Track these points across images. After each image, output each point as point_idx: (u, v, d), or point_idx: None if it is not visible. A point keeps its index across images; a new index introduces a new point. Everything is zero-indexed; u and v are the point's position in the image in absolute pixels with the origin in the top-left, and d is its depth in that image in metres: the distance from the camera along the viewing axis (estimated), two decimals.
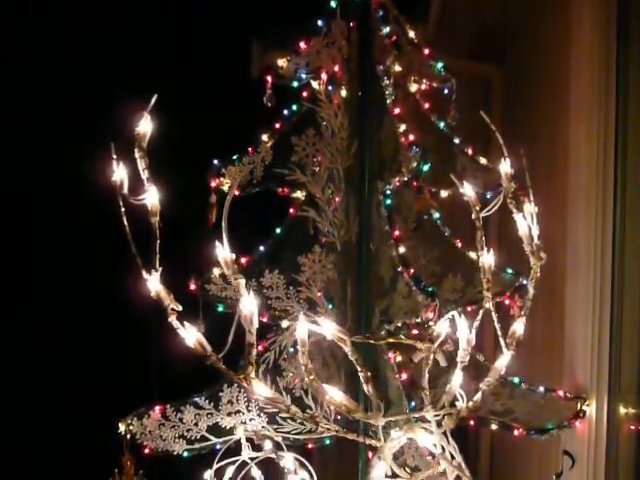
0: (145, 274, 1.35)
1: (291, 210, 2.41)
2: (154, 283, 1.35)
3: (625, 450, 2.76)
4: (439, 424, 1.51)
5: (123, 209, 1.39)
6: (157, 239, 1.36)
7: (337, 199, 2.40)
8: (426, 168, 2.13)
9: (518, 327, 1.65)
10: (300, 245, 2.36)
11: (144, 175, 1.40)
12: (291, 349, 2.47)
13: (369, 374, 1.39)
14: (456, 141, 2.50)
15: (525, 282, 2.63)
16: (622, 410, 2.72)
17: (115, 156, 1.47)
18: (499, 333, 1.61)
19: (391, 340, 1.87)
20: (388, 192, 2.20)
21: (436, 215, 2.51)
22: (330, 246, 2.38)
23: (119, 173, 1.43)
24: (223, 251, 1.33)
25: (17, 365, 2.98)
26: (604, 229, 2.71)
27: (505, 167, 1.67)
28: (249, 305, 1.26)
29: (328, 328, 1.32)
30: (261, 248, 2.38)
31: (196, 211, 2.29)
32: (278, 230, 2.40)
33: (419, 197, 2.29)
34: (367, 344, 2.28)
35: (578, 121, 2.77)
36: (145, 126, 1.45)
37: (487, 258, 1.59)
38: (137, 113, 1.47)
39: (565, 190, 2.81)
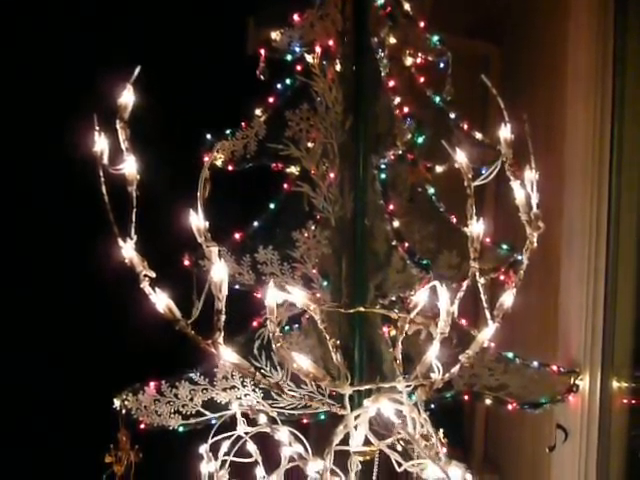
0: (120, 242, 1.39)
1: (285, 185, 2.39)
2: (128, 250, 1.39)
3: (618, 424, 2.79)
4: (411, 395, 1.51)
5: (103, 179, 1.42)
6: (133, 208, 1.39)
7: (332, 175, 2.38)
8: (420, 140, 2.10)
9: (506, 299, 1.59)
10: (294, 220, 2.35)
11: (124, 146, 1.43)
12: (286, 327, 2.47)
13: (338, 342, 1.40)
14: (452, 116, 2.48)
15: (520, 257, 2.64)
16: (615, 384, 2.74)
17: (97, 128, 1.49)
18: (485, 305, 1.56)
19: (362, 309, 1.89)
20: (383, 166, 2.18)
21: (431, 191, 2.49)
22: (325, 222, 2.36)
23: (100, 144, 1.46)
24: (197, 219, 1.34)
25: (9, 341, 2.98)
26: (599, 203, 2.71)
27: (505, 132, 1.61)
28: (219, 272, 1.28)
29: (298, 296, 1.34)
30: (255, 223, 2.37)
31: (189, 186, 2.26)
32: (272, 205, 2.39)
33: (414, 169, 2.27)
34: (359, 317, 2.31)
35: (575, 96, 2.75)
36: (127, 98, 1.47)
37: (476, 227, 1.54)
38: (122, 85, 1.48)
39: (561, 164, 2.80)
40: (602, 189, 2.73)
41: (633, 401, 2.77)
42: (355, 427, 1.49)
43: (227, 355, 1.32)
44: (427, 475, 1.45)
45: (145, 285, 1.36)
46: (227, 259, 2.32)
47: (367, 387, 1.55)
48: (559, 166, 2.81)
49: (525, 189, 1.57)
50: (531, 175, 1.60)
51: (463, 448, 3.72)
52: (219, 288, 1.27)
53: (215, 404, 2.37)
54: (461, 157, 1.43)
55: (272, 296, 1.30)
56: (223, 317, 1.28)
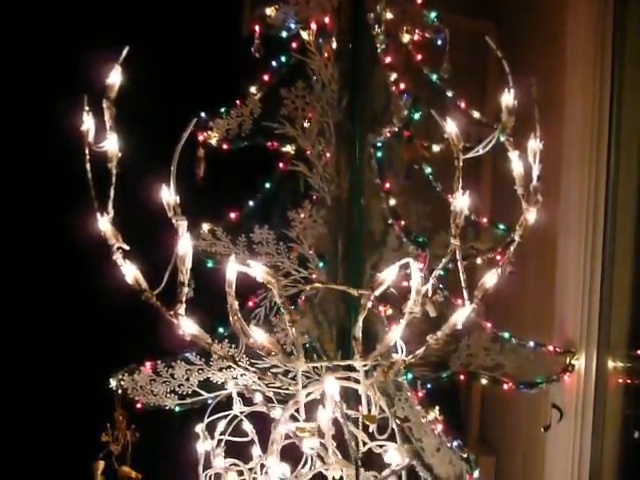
0: (99, 216, 1.45)
1: (281, 164, 2.37)
2: (104, 224, 1.45)
3: (613, 403, 2.80)
4: (368, 375, 1.50)
5: (88, 156, 1.47)
6: (112, 184, 1.45)
7: (328, 154, 2.36)
8: (417, 116, 2.08)
9: (489, 279, 1.49)
10: (290, 200, 2.33)
11: (108, 124, 1.47)
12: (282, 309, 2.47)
13: (297, 317, 1.43)
14: (449, 94, 2.45)
15: (517, 238, 2.63)
16: (611, 364, 2.75)
17: (87, 108, 1.53)
18: (463, 284, 1.47)
19: (319, 285, 1.89)
20: (379, 144, 2.15)
21: (428, 170, 2.47)
22: (321, 201, 2.34)
23: (87, 123, 1.50)
24: (167, 194, 1.40)
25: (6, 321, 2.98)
26: (597, 184, 2.69)
27: (507, 99, 1.51)
28: (184, 246, 1.35)
29: (258, 270, 1.37)
30: (250, 203, 2.36)
31: (183, 166, 2.24)
32: (267, 185, 2.36)
33: (410, 146, 2.24)
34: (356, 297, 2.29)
35: (574, 73, 2.73)
36: (114, 78, 1.50)
37: (461, 201, 1.44)
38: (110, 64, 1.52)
39: (559, 145, 2.78)
40: (600, 170, 2.71)
41: (628, 381, 2.78)
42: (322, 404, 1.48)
43: (187, 326, 1.36)
44: (389, 458, 1.45)
45: (117, 257, 1.42)
46: (222, 239, 2.31)
47: (322, 364, 1.56)
48: (557, 146, 2.78)
49: (523, 161, 1.49)
50: (535, 145, 1.50)
51: (459, 430, 3.75)
52: (183, 261, 1.34)
53: (211, 384, 2.37)
54: (451, 127, 1.37)
55: (232, 270, 1.33)
56: (186, 289, 1.35)
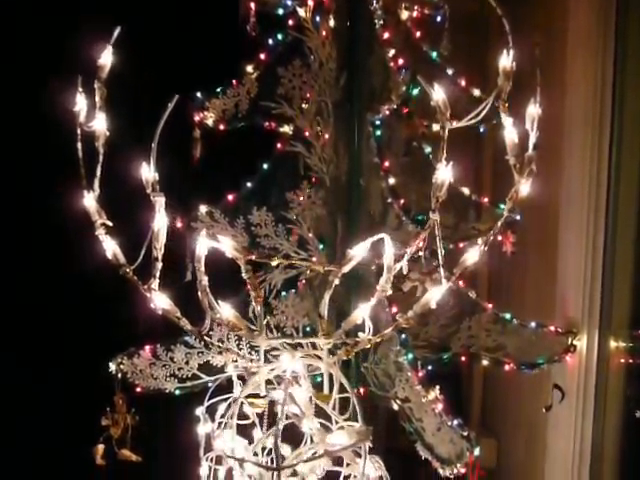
0: (85, 193, 1.47)
1: (278, 145, 2.33)
2: (89, 200, 1.47)
3: (614, 383, 2.79)
4: (332, 353, 1.49)
5: (79, 135, 1.49)
6: (99, 163, 1.47)
7: (326, 135, 2.32)
8: (416, 92, 2.04)
9: (470, 256, 1.39)
10: (288, 181, 2.30)
11: (98, 104, 1.49)
12: (283, 293, 2.45)
13: (262, 294, 1.44)
14: (449, 72, 2.41)
15: (518, 217, 2.60)
16: (613, 344, 2.73)
17: (80, 89, 1.53)
18: (440, 262, 1.40)
19: (284, 261, 1.89)
20: (378, 123, 2.12)
21: (428, 150, 2.44)
22: (319, 182, 2.32)
23: (80, 104, 1.51)
24: (147, 171, 1.42)
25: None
26: (600, 162, 2.65)
27: (505, 61, 1.36)
28: (159, 222, 1.37)
29: (227, 245, 1.38)
30: (248, 185, 2.33)
31: (180, 147, 2.21)
32: (265, 166, 2.33)
33: (409, 123, 2.20)
34: (355, 277, 2.27)
35: (576, 37, 2.67)
36: (106, 58, 1.51)
37: (443, 172, 1.34)
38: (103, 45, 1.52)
39: (561, 121, 2.74)
40: (603, 147, 2.67)
41: (630, 361, 2.77)
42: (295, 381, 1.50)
43: (159, 300, 1.40)
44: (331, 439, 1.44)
45: (100, 233, 1.45)
46: (220, 221, 2.28)
47: (284, 341, 1.58)
48: (558, 122, 2.74)
49: (520, 128, 1.39)
50: (534, 110, 1.39)
51: (460, 413, 3.75)
52: (157, 237, 1.37)
53: (211, 367, 2.36)
54: (438, 94, 1.30)
55: (202, 245, 1.35)
56: (160, 264, 1.38)
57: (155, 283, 1.39)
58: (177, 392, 2.37)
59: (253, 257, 1.52)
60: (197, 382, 2.36)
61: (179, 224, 2.24)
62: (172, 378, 2.35)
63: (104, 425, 2.32)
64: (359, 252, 1.37)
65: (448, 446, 1.98)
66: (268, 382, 2.08)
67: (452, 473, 1.93)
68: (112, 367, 2.30)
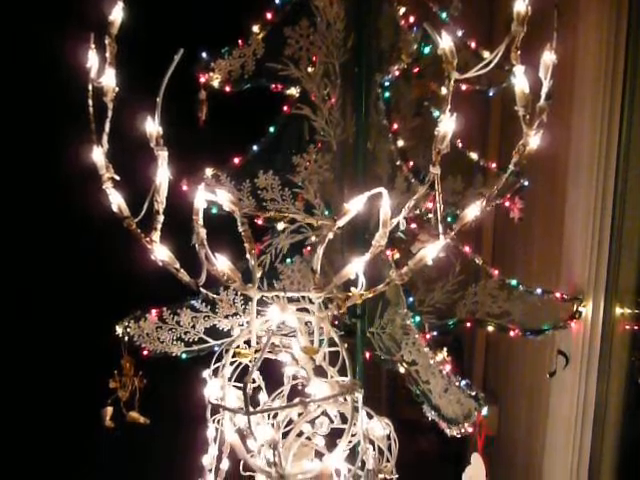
0: (94, 147, 1.49)
1: (285, 107, 2.30)
2: (97, 154, 1.48)
3: (618, 350, 2.80)
4: (325, 307, 1.50)
5: (90, 92, 1.50)
6: (107, 118, 1.48)
7: (333, 98, 2.29)
8: (427, 50, 1.99)
9: (469, 212, 1.35)
10: (295, 145, 2.27)
11: (108, 60, 1.49)
12: (287, 260, 2.44)
13: (255, 246, 1.47)
14: (459, 33, 2.35)
15: (526, 183, 2.58)
16: (618, 310, 2.74)
17: (93, 45, 1.54)
18: (439, 217, 1.36)
19: (272, 214, 1.90)
20: (387, 84, 2.08)
21: (436, 114, 2.40)
22: (326, 146, 2.29)
23: (92, 60, 1.52)
24: (151, 125, 1.42)
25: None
26: (610, 129, 2.62)
27: (520, 4, 1.27)
28: (161, 176, 1.41)
29: (224, 197, 1.43)
30: (254, 148, 2.30)
31: (185, 109, 2.18)
32: (272, 129, 2.30)
33: (420, 82, 2.16)
34: (361, 241, 2.26)
35: (588, 23, 2.61)
36: (117, 14, 1.50)
37: (446, 124, 1.29)
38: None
39: (571, 75, 2.69)
40: (613, 114, 2.63)
41: (635, 327, 2.78)
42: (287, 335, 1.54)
43: (160, 253, 1.44)
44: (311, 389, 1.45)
45: (107, 186, 1.48)
46: (226, 184, 2.26)
47: (275, 294, 1.63)
48: (568, 75, 2.69)
49: (527, 78, 1.31)
50: (549, 57, 1.32)
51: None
52: (159, 191, 1.40)
53: (217, 331, 2.37)
54: (446, 42, 1.26)
55: (200, 198, 1.40)
56: (161, 217, 1.42)
57: (156, 235, 1.42)
58: (184, 356, 2.38)
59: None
60: (203, 346, 2.37)
61: (185, 187, 2.22)
62: (178, 342, 2.36)
63: (112, 388, 2.33)
64: (354, 206, 1.37)
65: (455, 407, 1.99)
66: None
67: (459, 433, 1.94)
68: (119, 330, 2.30)
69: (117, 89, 1.48)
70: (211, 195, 1.44)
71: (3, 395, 2.98)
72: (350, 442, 1.40)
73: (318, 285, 1.43)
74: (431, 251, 1.36)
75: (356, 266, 1.40)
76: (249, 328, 1.59)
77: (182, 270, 1.47)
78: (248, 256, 1.46)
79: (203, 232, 1.41)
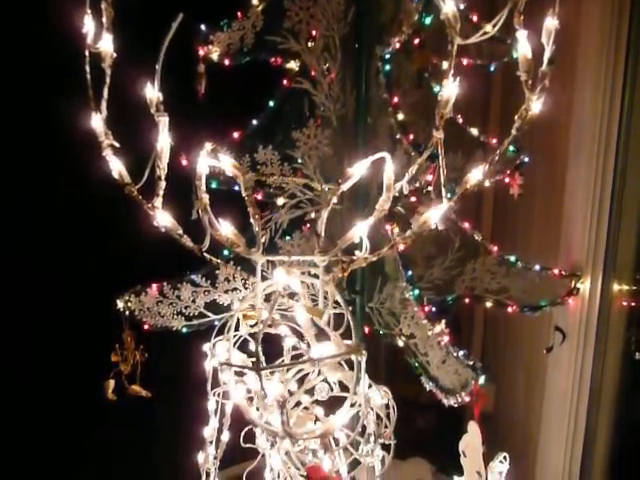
0: (93, 114, 1.48)
1: (284, 81, 2.28)
2: (96, 121, 1.48)
3: (616, 326, 2.82)
4: (328, 270, 1.49)
5: (88, 58, 1.49)
6: (106, 84, 1.48)
7: (333, 73, 2.27)
8: (428, 21, 1.98)
9: (473, 176, 1.33)
10: (294, 119, 2.26)
11: (105, 25, 1.48)
12: (287, 237, 2.45)
13: (259, 212, 1.45)
14: (461, 6, 2.32)
15: (527, 159, 2.57)
16: (616, 287, 2.75)
17: (88, 10, 1.50)
18: (442, 181, 1.32)
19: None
20: (387, 56, 2.06)
21: (437, 89, 2.39)
22: (326, 120, 2.28)
23: (88, 25, 1.50)
24: (151, 91, 1.42)
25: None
26: (612, 105, 2.61)
27: None
28: (163, 141, 1.40)
29: (226, 162, 1.41)
30: (254, 122, 2.29)
31: (183, 83, 2.16)
32: (271, 103, 2.29)
33: (421, 53, 2.14)
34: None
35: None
36: None
37: (449, 89, 1.26)
38: None
39: (573, 66, 2.67)
40: (615, 91, 2.62)
41: (633, 304, 2.80)
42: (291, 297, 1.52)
43: (162, 219, 1.44)
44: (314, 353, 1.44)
45: (107, 153, 1.47)
46: None
47: (280, 258, 1.58)
48: (571, 66, 2.68)
49: (530, 43, 1.27)
50: (551, 23, 1.30)
51: None
52: (160, 157, 1.40)
53: (217, 305, 2.38)
54: (449, 6, 1.24)
55: (202, 164, 1.38)
56: (163, 183, 1.42)
57: (158, 201, 1.42)
58: (184, 330, 2.40)
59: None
60: (204, 320, 2.38)
61: (184, 161, 2.21)
62: (179, 316, 2.37)
63: (114, 361, 2.35)
64: (357, 170, 1.36)
65: (453, 377, 2.02)
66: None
67: (456, 402, 1.97)
68: (120, 304, 2.32)
69: (115, 55, 1.47)
70: (214, 161, 1.42)
71: (3, 369, 3.00)
72: (352, 406, 1.41)
73: (322, 248, 1.42)
74: (434, 215, 1.35)
75: (360, 229, 1.40)
76: (254, 292, 1.58)
77: (185, 236, 1.47)
78: (252, 221, 1.44)
79: (206, 198, 1.40)
